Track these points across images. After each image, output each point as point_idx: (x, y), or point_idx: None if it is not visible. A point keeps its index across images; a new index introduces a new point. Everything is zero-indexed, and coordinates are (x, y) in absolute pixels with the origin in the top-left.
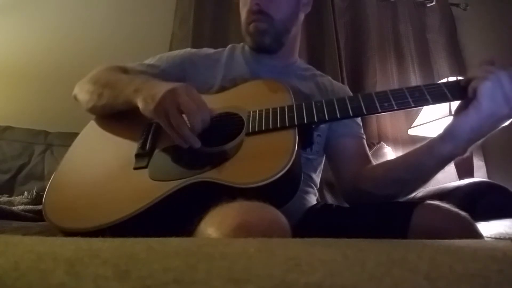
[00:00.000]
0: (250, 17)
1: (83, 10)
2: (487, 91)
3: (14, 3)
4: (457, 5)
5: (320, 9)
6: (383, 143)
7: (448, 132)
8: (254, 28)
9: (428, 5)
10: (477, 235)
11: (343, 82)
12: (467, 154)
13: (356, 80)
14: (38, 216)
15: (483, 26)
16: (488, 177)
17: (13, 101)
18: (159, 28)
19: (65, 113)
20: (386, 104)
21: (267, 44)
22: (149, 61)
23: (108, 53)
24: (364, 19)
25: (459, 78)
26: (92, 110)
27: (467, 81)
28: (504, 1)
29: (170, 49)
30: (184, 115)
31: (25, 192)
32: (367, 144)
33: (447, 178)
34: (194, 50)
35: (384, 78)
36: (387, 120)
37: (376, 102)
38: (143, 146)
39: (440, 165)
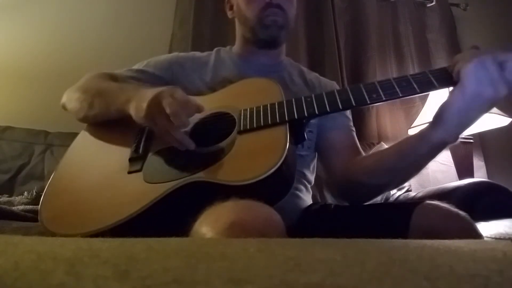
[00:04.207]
0: (266, 10)
1: (83, 10)
2: (470, 72)
3: (14, 3)
4: (457, 5)
5: (320, 9)
6: (383, 143)
7: (438, 118)
8: (273, 21)
9: (428, 5)
10: (477, 235)
11: (343, 82)
12: (458, 140)
13: (356, 80)
14: (38, 216)
15: (483, 26)
16: (488, 177)
17: (13, 101)
18: (159, 28)
19: (65, 113)
20: (374, 96)
21: (282, 39)
22: (138, 66)
23: (108, 53)
24: (364, 19)
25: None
26: (84, 119)
27: (452, 67)
28: (504, 1)
29: (170, 49)
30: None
31: (25, 192)
32: (367, 144)
33: (447, 178)
34: (182, 53)
35: (384, 78)
36: (387, 120)
37: (365, 94)
38: (136, 150)
39: (433, 153)
